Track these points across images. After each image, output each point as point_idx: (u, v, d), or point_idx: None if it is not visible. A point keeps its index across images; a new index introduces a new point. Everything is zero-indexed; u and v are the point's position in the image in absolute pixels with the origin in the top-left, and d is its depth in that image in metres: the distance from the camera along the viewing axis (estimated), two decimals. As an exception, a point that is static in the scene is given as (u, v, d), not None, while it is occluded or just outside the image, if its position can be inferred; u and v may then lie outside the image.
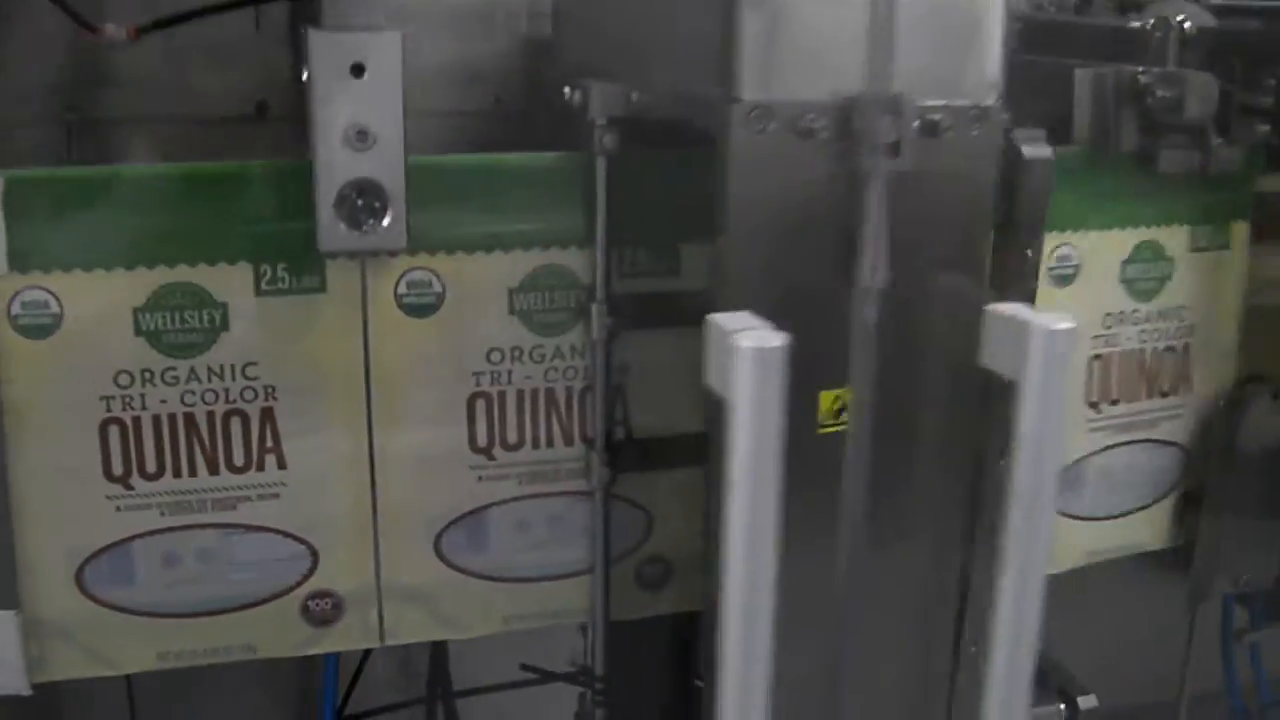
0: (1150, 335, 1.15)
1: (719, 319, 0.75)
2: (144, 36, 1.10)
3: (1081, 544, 1.18)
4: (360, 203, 0.89)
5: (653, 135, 0.94)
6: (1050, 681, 1.25)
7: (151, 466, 0.94)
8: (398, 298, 0.95)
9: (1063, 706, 1.22)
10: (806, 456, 0.86)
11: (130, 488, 0.94)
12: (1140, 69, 1.06)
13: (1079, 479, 1.16)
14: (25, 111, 1.17)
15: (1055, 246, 1.08)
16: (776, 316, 0.82)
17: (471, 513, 1.01)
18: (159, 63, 1.19)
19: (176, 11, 1.12)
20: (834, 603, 0.90)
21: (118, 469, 0.93)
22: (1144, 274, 1.13)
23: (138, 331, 0.91)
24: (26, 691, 0.94)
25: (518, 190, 0.97)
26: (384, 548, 0.99)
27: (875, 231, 0.82)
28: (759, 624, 0.76)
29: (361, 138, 0.87)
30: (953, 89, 0.85)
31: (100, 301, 0.90)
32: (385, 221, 0.90)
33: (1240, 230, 1.17)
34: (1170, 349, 1.16)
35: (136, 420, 0.93)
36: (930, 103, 0.83)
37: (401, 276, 0.95)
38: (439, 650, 1.29)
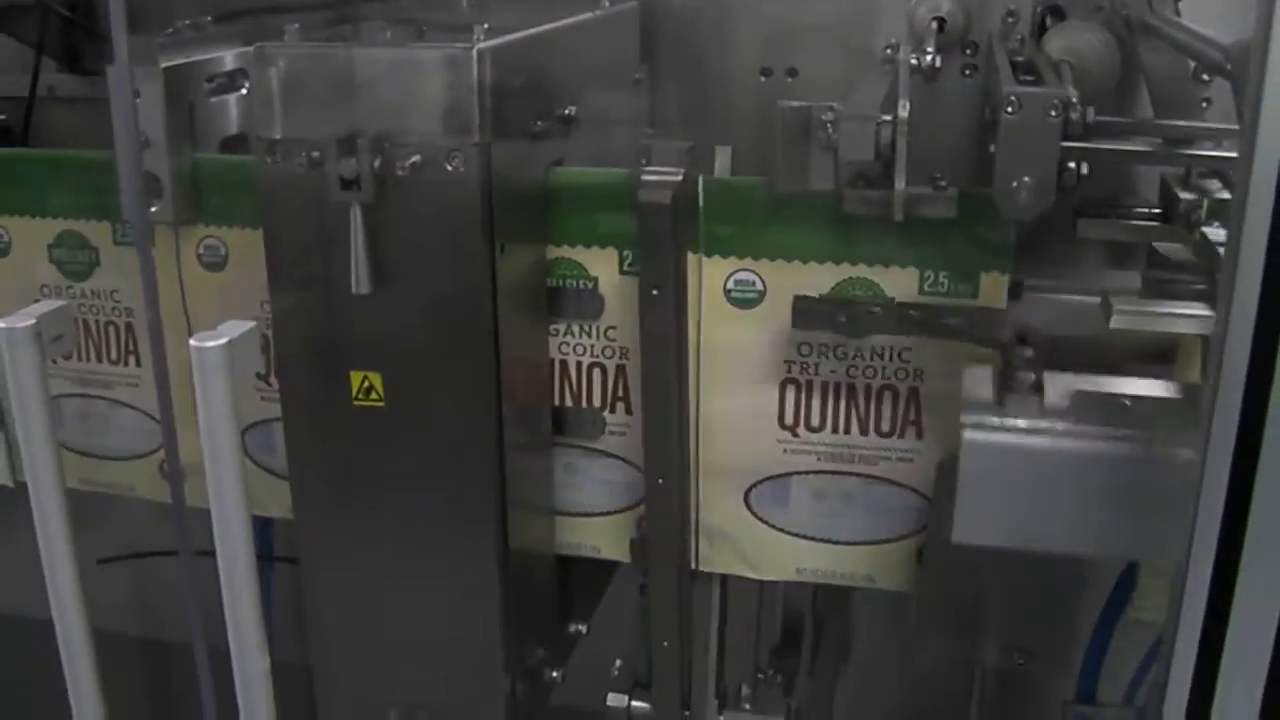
0: (864, 372, 1.14)
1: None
2: None
3: (788, 558, 1.21)
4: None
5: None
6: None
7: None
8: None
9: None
10: (345, 426, 1.09)
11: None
12: (829, 105, 1.05)
13: (782, 495, 1.19)
14: None
15: (733, 271, 1.13)
16: (320, 310, 1.05)
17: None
18: None
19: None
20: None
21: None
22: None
23: None
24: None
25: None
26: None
27: (355, 248, 1.01)
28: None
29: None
30: (428, 133, 0.99)
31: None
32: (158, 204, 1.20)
33: (994, 282, 1.10)
34: (889, 388, 1.14)
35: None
36: (401, 144, 0.99)
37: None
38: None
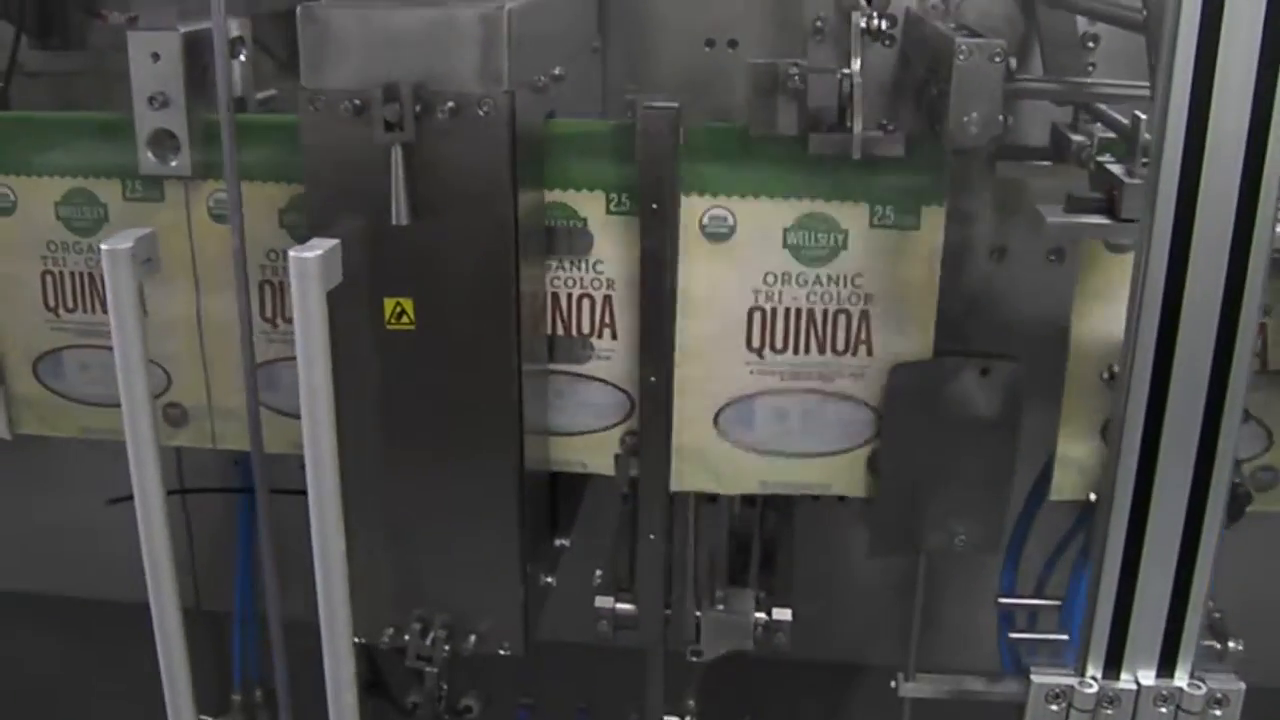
0: (821, 297, 1.31)
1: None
2: None
3: (754, 473, 1.38)
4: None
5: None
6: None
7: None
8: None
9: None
10: (379, 345, 1.21)
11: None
12: (794, 61, 1.23)
13: (748, 414, 1.36)
14: None
15: (709, 208, 1.29)
16: (354, 241, 1.17)
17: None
18: None
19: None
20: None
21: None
22: (810, 241, 1.30)
23: None
24: None
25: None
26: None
27: (395, 184, 1.14)
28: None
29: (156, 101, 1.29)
30: (463, 82, 1.13)
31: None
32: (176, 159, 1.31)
33: (932, 214, 1.28)
34: (843, 312, 1.32)
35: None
36: (437, 91, 1.12)
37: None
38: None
